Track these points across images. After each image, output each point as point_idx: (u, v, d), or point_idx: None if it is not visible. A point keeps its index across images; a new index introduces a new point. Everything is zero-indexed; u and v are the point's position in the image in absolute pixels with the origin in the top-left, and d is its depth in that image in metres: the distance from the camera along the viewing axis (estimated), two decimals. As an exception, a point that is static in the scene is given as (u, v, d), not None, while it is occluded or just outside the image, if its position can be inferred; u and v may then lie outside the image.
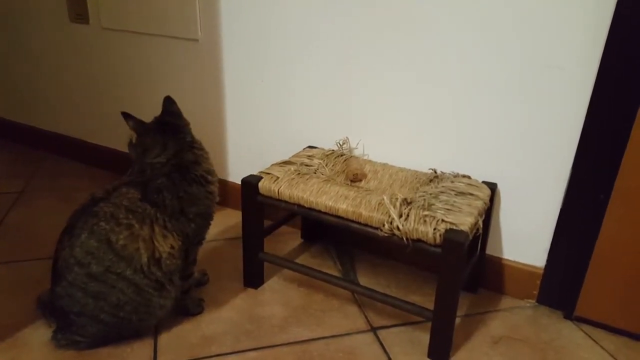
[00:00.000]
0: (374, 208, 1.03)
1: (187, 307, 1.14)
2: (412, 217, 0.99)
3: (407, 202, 1.03)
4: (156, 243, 1.00)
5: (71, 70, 1.85)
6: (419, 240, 0.98)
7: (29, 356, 1.03)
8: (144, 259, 0.98)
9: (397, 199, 1.03)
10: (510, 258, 1.23)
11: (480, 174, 1.18)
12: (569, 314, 1.19)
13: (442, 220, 0.97)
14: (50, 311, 1.06)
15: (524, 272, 1.22)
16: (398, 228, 0.99)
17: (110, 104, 1.81)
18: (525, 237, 1.20)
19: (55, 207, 1.64)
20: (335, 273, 1.33)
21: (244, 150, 1.54)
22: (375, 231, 1.03)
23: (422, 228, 0.97)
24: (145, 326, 1.06)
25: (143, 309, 1.02)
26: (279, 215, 1.37)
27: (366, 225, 1.04)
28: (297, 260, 1.38)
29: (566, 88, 1.05)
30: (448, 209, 1.01)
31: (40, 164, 1.98)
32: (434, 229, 0.96)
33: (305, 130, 1.42)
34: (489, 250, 1.25)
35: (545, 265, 1.19)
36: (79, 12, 1.71)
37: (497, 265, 1.25)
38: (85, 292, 0.98)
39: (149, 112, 1.71)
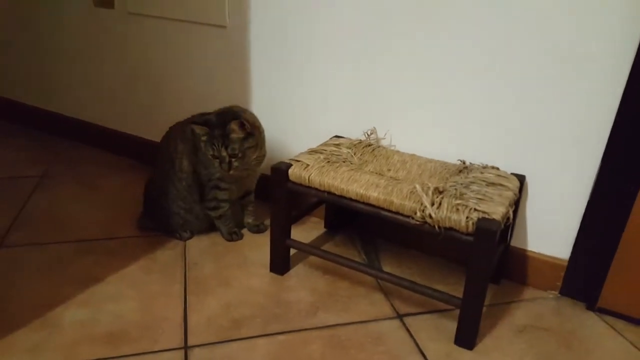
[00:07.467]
0: (406, 196, 1.04)
1: (221, 232, 1.43)
2: (444, 205, 1.00)
3: (439, 191, 1.04)
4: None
5: (95, 55, 1.85)
6: (451, 228, 0.99)
7: (59, 336, 1.04)
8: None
9: (429, 187, 1.04)
10: (535, 250, 1.25)
11: (508, 166, 1.20)
12: (591, 306, 1.20)
13: (475, 209, 0.98)
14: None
15: (548, 263, 1.23)
16: (430, 216, 1.00)
17: (133, 91, 1.82)
18: (551, 229, 1.21)
19: (75, 193, 1.65)
20: (360, 261, 1.34)
21: (268, 137, 1.55)
22: (406, 219, 1.04)
23: (454, 216, 0.98)
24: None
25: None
26: (305, 204, 1.39)
27: (397, 213, 1.05)
28: (322, 249, 1.39)
29: (598, 80, 1.06)
30: (480, 199, 1.02)
31: (60, 150, 1.99)
32: (467, 217, 0.97)
33: (331, 120, 1.42)
34: (513, 242, 1.26)
35: (570, 257, 1.20)
36: (103, -2, 1.72)
37: (521, 257, 1.26)
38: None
39: (173, 98, 1.72)
